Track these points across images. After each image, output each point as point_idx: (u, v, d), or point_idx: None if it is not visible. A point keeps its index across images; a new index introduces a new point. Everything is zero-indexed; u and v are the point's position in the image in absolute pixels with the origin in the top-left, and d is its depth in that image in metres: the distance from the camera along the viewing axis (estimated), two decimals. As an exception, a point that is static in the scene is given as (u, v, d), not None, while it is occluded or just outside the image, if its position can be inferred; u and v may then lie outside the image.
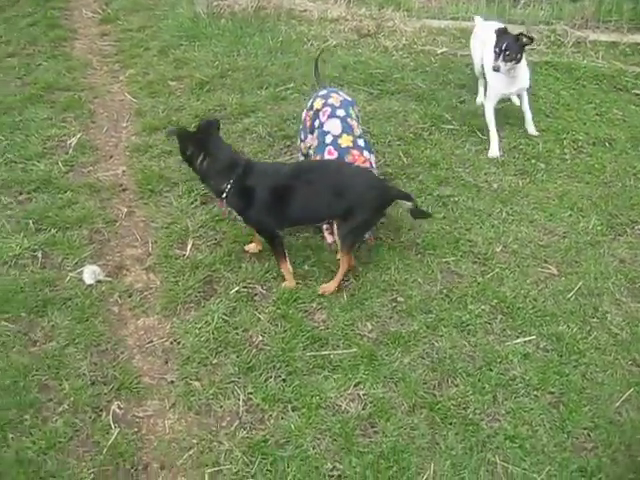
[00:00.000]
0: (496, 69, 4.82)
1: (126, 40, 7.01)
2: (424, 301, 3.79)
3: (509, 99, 5.48)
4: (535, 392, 3.30)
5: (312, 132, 4.23)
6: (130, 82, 6.14)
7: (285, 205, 3.73)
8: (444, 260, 4.06)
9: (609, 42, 6.57)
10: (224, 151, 3.82)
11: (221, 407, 3.21)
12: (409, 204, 3.87)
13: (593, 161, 5.01)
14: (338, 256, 3.88)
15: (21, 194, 4.63)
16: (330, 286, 3.81)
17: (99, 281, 3.91)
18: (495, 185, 4.74)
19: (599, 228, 4.37)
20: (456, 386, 3.33)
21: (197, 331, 3.58)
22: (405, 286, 3.88)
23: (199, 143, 3.75)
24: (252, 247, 4.08)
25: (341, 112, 4.16)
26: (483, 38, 5.21)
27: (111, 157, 5.08)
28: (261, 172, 3.80)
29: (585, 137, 5.26)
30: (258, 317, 3.67)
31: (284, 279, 3.85)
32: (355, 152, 4.01)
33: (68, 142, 5.17)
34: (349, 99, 4.37)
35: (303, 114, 4.41)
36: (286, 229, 4.01)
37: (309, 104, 4.38)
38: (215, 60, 6.19)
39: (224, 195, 3.76)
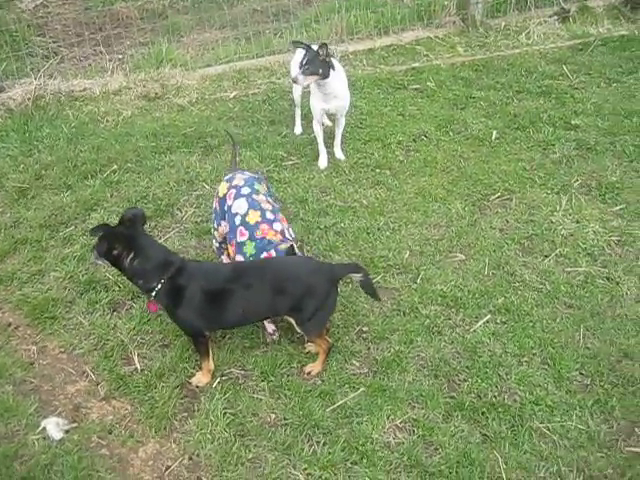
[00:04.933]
0: (294, 81, 5.10)
1: None
2: (385, 322, 4.05)
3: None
4: (524, 359, 3.79)
5: (224, 218, 4.12)
6: None
7: (220, 309, 3.61)
8: (374, 280, 4.31)
9: (366, 49, 7.37)
10: (156, 249, 3.67)
11: (292, 495, 3.16)
12: (359, 276, 3.75)
13: (423, 155, 5.66)
14: (307, 347, 3.89)
15: None
16: (317, 366, 3.78)
17: (67, 431, 3.49)
18: (365, 202, 5.13)
19: (467, 209, 5.01)
20: (465, 381, 3.68)
21: (209, 436, 3.42)
22: (360, 315, 4.10)
23: (128, 241, 3.54)
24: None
25: (246, 190, 4.07)
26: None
27: (-27, 299, 4.43)
28: (195, 273, 3.65)
29: (404, 137, 5.90)
30: (258, 398, 3.61)
31: (205, 370, 3.72)
32: (264, 226, 3.93)
33: None
34: (255, 176, 4.29)
35: (214, 202, 4.27)
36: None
37: (216, 190, 4.27)
38: (18, 164, 5.62)
39: (154, 293, 3.62)
